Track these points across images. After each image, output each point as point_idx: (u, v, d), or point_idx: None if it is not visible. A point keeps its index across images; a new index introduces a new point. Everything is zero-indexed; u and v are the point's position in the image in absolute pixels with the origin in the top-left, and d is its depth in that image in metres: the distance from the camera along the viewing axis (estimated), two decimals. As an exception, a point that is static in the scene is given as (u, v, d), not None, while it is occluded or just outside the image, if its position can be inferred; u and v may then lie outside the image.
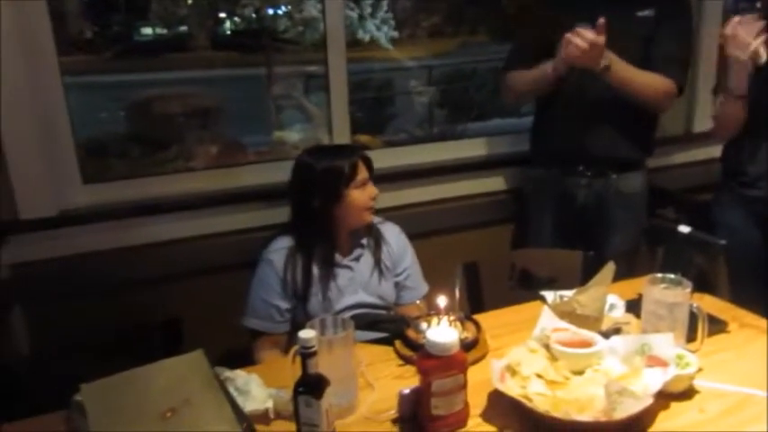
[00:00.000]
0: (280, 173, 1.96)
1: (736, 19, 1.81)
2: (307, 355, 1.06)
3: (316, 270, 1.71)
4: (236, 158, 2.87)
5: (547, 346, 1.34)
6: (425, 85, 5.25)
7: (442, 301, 1.42)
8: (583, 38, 1.85)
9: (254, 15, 4.94)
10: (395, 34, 5.26)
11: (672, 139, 2.70)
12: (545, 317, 1.41)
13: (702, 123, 2.75)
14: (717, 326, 1.50)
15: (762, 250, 1.95)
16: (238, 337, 1.75)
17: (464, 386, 1.18)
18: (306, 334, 1.06)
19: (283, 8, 4.86)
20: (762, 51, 1.77)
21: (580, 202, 2.21)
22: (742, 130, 1.95)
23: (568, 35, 1.87)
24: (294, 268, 1.69)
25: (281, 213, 1.88)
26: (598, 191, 2.19)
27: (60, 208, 2.00)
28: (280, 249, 1.72)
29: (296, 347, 1.11)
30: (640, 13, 2.04)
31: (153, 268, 2.02)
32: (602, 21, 1.85)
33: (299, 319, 1.68)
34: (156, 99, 2.74)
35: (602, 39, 1.85)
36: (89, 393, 1.20)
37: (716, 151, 2.61)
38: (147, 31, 3.44)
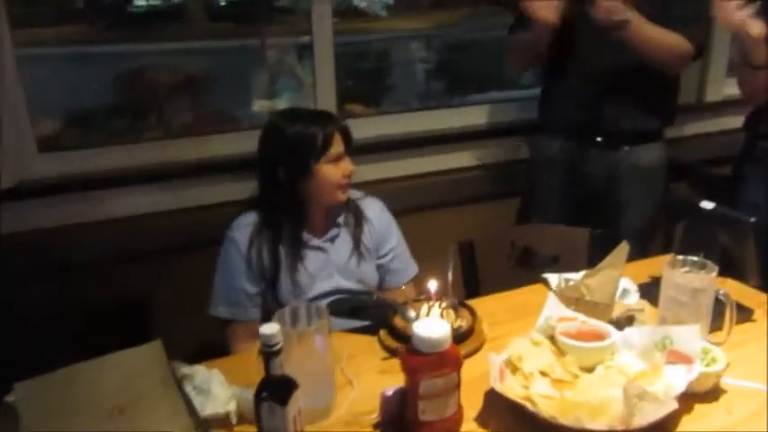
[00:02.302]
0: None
1: None
2: (269, 354, 0.89)
3: (283, 251, 1.53)
4: (221, 128, 2.72)
5: (552, 339, 1.18)
6: (424, 57, 5.06)
7: (432, 285, 1.25)
8: None
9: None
10: (391, 2, 5.04)
11: (683, 109, 2.51)
12: (550, 304, 1.25)
13: (716, 92, 2.57)
14: (742, 314, 1.33)
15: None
16: (212, 324, 1.58)
17: (457, 386, 1.02)
18: (268, 329, 0.89)
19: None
20: (751, 24, 1.63)
21: (591, 175, 2.04)
22: None
23: None
24: (260, 248, 1.51)
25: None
26: (611, 163, 2.02)
27: (20, 178, 1.83)
28: (244, 226, 1.53)
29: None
30: None
31: (113, 246, 1.85)
32: None
33: (270, 306, 1.51)
34: (146, 70, 2.64)
35: None
36: (23, 393, 1.04)
37: (731, 122, 2.45)
38: (141, 2, 3.31)
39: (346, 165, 1.55)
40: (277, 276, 1.51)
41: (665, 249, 2.06)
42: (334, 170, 1.52)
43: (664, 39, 1.83)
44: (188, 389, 1.07)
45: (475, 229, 2.02)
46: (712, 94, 2.58)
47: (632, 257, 1.43)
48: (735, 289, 1.42)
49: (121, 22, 3.08)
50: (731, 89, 2.37)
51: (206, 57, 3.35)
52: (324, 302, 1.49)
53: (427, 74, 5.07)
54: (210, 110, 2.86)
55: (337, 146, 1.52)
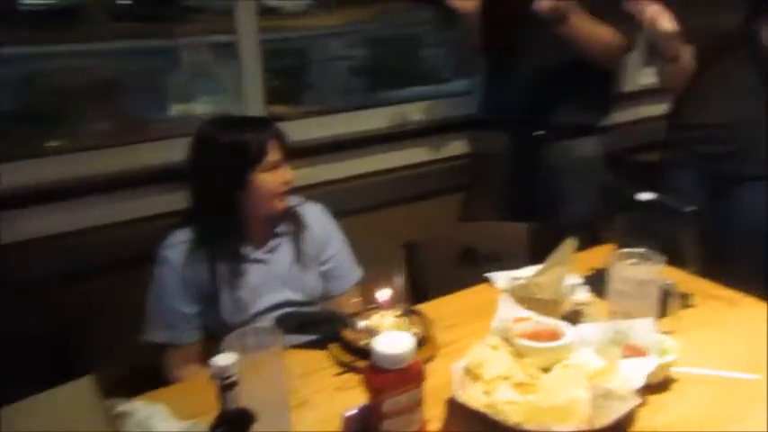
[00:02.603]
0: (183, 151, 1.68)
1: None
2: (225, 386, 0.82)
3: (223, 267, 1.45)
4: (137, 136, 2.57)
5: (509, 341, 1.16)
6: (343, 54, 5.01)
7: (384, 293, 1.21)
8: None
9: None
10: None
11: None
12: (503, 305, 1.23)
13: (633, 81, 2.66)
14: (682, 301, 1.37)
15: (708, 213, 1.84)
16: (149, 351, 1.47)
17: (421, 402, 0.98)
18: (222, 360, 0.82)
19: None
20: (659, 21, 1.69)
21: (535, 169, 2.06)
22: (691, 83, 1.83)
23: None
24: (196, 266, 1.42)
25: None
26: (554, 156, 2.05)
27: None
28: (177, 245, 1.44)
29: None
30: None
31: (26, 270, 1.69)
32: None
33: (211, 325, 1.43)
34: (46, 73, 2.50)
35: None
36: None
37: (647, 111, 2.54)
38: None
39: (284, 172, 1.48)
40: (217, 295, 1.42)
41: (605, 239, 2.12)
42: (271, 179, 1.45)
43: (602, 34, 1.87)
44: (128, 429, 0.99)
45: (418, 229, 2.00)
46: (630, 84, 2.66)
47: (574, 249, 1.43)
48: (673, 276, 1.46)
49: (11, 22, 2.87)
50: (648, 79, 2.45)
51: (114, 59, 3.17)
52: (269, 318, 1.43)
53: (348, 71, 5.02)
54: (126, 116, 2.70)
55: (274, 153, 1.45)
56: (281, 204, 1.49)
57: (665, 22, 1.71)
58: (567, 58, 1.89)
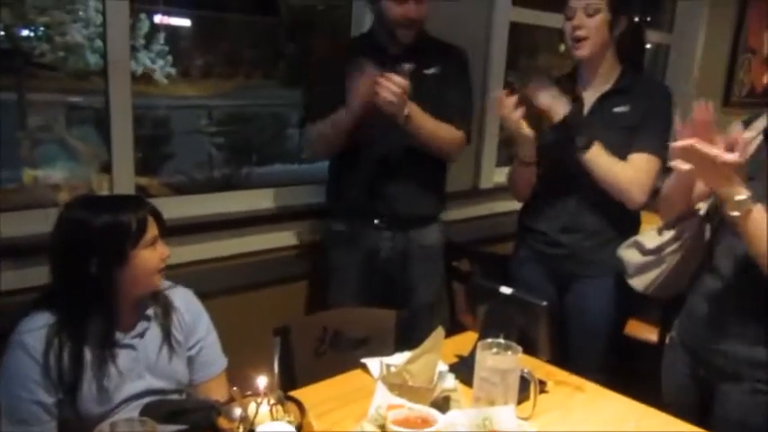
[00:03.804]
0: (38, 223, 1.58)
1: (497, 95, 1.93)
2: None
3: (88, 353, 1.36)
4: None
5: (383, 428, 1.19)
6: (206, 126, 4.97)
7: (261, 380, 1.20)
8: (396, 83, 1.83)
9: (1, 33, 4.24)
10: (172, 70, 4.90)
11: (462, 194, 2.79)
12: (379, 393, 1.27)
13: (489, 180, 2.90)
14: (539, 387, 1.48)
15: (557, 306, 2.02)
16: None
17: (301, 493, 0.97)
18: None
19: (42, 29, 4.24)
20: (523, 126, 1.89)
21: (384, 257, 2.15)
22: (537, 189, 2.04)
23: (381, 78, 1.84)
24: (59, 352, 1.32)
25: (42, 274, 1.48)
26: (401, 244, 2.15)
27: None
28: (36, 330, 1.33)
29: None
30: (427, 71, 2.08)
31: None
32: (408, 66, 1.85)
33: (66, 416, 1.32)
34: None
35: (408, 85, 1.85)
36: None
37: (502, 206, 2.77)
38: None
39: (162, 248, 1.45)
40: (79, 382, 1.32)
41: (452, 323, 2.24)
42: (151, 254, 1.41)
43: (440, 130, 2.03)
44: None
45: (283, 312, 2.00)
46: (485, 182, 2.90)
47: (426, 331, 1.49)
48: (528, 363, 1.58)
49: None
50: (501, 177, 2.69)
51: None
52: (133, 408, 1.35)
53: (210, 144, 4.96)
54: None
55: (152, 229, 1.42)
56: (160, 280, 1.46)
57: (526, 128, 1.90)
58: (409, 151, 2.03)
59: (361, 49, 2.10)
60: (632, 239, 1.74)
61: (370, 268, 2.16)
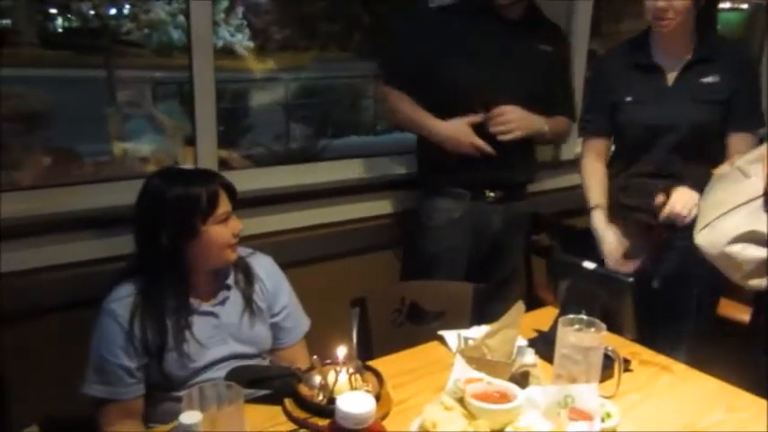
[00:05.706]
0: (128, 193, 1.63)
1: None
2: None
3: (171, 320, 1.41)
4: (71, 172, 2.47)
5: (461, 401, 1.18)
6: (282, 99, 5.05)
7: (341, 350, 1.22)
8: (505, 114, 1.96)
9: (92, 13, 4.41)
10: (250, 44, 4.99)
11: (542, 165, 2.71)
12: (458, 366, 1.26)
13: (570, 151, 2.80)
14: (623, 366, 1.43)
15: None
16: (84, 399, 1.40)
17: (380, 462, 0.98)
18: (188, 419, 0.80)
19: (127, 8, 4.39)
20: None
21: (494, 229, 2.14)
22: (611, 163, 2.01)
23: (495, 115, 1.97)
24: (143, 320, 1.38)
25: (131, 243, 1.55)
26: (505, 216, 2.15)
27: None
28: (123, 298, 1.39)
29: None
30: (542, 47, 2.08)
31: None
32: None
33: (155, 379, 1.38)
34: None
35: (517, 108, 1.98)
36: None
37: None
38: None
39: (235, 223, 1.48)
40: (163, 348, 1.38)
41: (529, 297, 2.21)
42: (223, 230, 1.44)
43: (561, 126, 2.17)
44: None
45: (360, 282, 2.01)
46: (566, 153, 2.81)
47: (502, 305, 1.47)
48: (612, 341, 1.53)
49: None
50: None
51: (39, 86, 3.02)
52: (216, 372, 1.40)
53: (286, 116, 5.03)
54: (62, 150, 2.59)
55: (224, 205, 1.45)
56: (232, 255, 1.48)
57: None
58: None
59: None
60: (735, 233, 1.58)
61: (479, 245, 2.15)
